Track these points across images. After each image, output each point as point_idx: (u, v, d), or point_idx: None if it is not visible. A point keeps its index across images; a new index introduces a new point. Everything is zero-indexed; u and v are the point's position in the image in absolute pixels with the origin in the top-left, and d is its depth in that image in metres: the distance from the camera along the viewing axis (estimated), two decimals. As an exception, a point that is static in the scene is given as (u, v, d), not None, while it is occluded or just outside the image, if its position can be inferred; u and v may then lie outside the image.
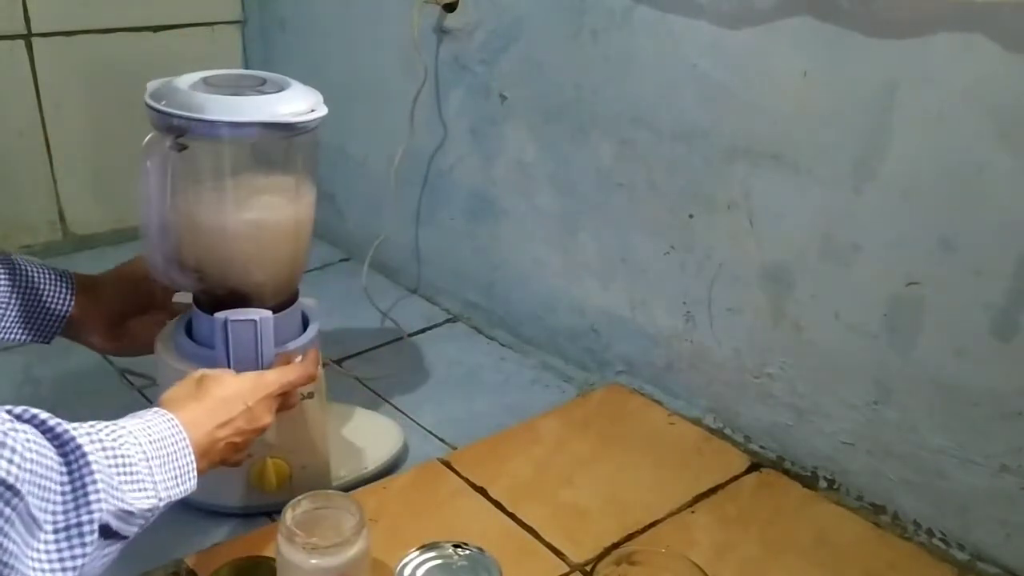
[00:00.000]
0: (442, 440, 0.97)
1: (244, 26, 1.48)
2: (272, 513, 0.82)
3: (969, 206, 0.72)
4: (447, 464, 0.89)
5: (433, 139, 1.20)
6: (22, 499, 0.46)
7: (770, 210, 0.86)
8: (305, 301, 0.85)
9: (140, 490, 0.54)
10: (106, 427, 0.55)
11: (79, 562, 0.49)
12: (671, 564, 0.62)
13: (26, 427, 0.49)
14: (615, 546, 0.79)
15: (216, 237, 0.76)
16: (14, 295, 0.77)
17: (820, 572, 0.77)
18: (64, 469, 0.50)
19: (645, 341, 1.03)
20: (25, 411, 0.50)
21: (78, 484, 0.50)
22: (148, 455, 0.56)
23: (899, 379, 0.81)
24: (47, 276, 0.79)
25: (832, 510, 0.85)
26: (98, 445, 0.52)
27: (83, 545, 0.50)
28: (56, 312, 0.80)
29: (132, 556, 0.75)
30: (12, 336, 0.78)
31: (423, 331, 1.21)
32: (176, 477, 0.58)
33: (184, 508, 0.81)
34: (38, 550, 0.48)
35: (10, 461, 0.45)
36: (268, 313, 0.74)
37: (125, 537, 0.54)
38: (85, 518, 0.50)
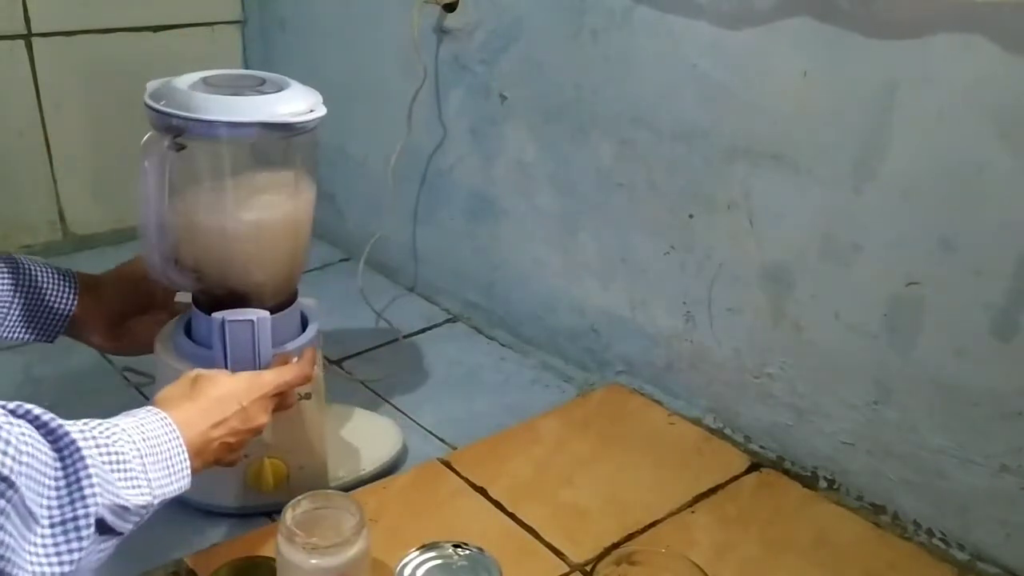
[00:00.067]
0: (442, 440, 0.97)
1: (244, 26, 1.48)
2: (272, 513, 0.82)
3: (969, 206, 0.72)
4: (447, 464, 0.89)
5: (433, 139, 1.20)
6: (17, 491, 0.46)
7: (770, 210, 0.86)
8: (305, 301, 0.85)
9: (135, 486, 0.55)
10: (100, 424, 0.55)
11: (76, 556, 0.50)
12: (671, 564, 0.62)
13: (21, 422, 0.49)
14: (615, 546, 0.79)
15: (214, 237, 0.76)
16: (17, 295, 0.78)
17: (820, 572, 0.77)
18: (59, 464, 0.50)
19: (645, 341, 1.03)
20: (20, 406, 0.50)
21: (73, 479, 0.50)
22: (142, 452, 0.56)
23: (899, 379, 0.81)
24: (50, 276, 0.80)
25: (832, 510, 0.85)
26: (92, 442, 0.52)
27: (79, 539, 0.50)
28: (59, 311, 0.80)
29: (132, 556, 0.76)
30: (15, 335, 0.79)
31: (423, 331, 1.21)
32: (170, 475, 0.58)
33: (184, 508, 0.81)
34: (35, 544, 0.48)
35: (4, 454, 0.45)
36: (265, 313, 0.74)
37: (120, 533, 0.54)
38: (81, 512, 0.50)
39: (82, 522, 0.50)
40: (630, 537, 0.80)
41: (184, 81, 0.74)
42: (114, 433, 0.55)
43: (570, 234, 1.07)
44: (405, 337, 1.19)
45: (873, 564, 0.78)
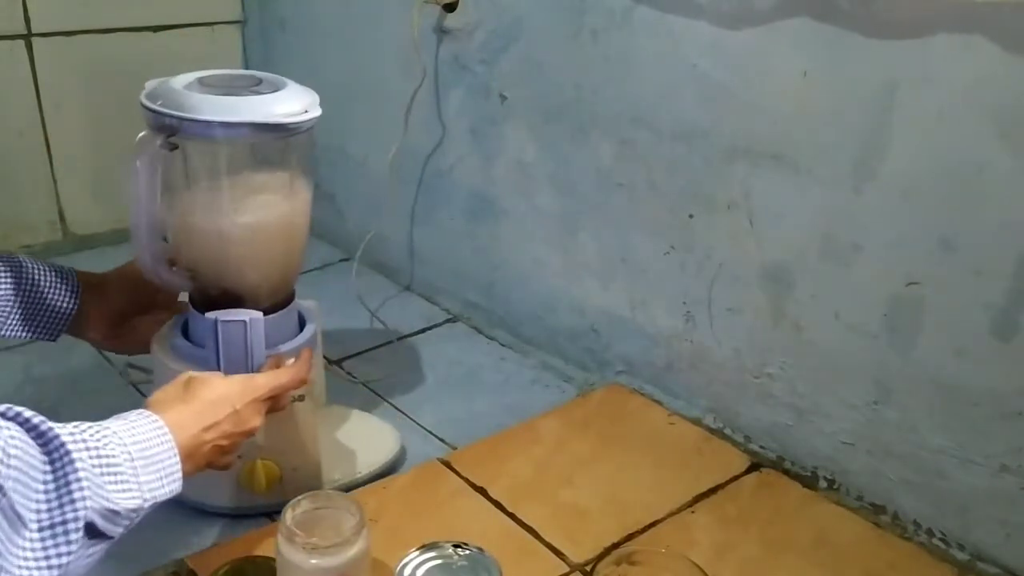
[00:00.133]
0: (442, 440, 0.97)
1: (244, 26, 1.48)
2: (272, 514, 0.82)
3: (969, 206, 0.72)
4: (447, 464, 0.89)
5: (433, 139, 1.20)
6: (5, 495, 0.46)
7: (770, 210, 0.86)
8: (304, 303, 0.85)
9: (125, 490, 0.54)
10: (90, 427, 0.55)
11: (64, 560, 0.49)
12: (671, 564, 0.62)
13: (10, 424, 0.49)
14: (615, 546, 0.79)
15: (208, 238, 0.76)
16: (19, 294, 0.78)
17: (820, 572, 0.77)
18: (48, 468, 0.50)
19: (645, 341, 1.03)
20: (9, 409, 0.50)
21: (62, 482, 0.50)
22: (132, 456, 0.56)
23: (899, 379, 0.81)
24: (53, 275, 0.80)
25: (832, 510, 0.85)
26: (82, 445, 0.52)
27: (68, 543, 0.50)
28: (62, 310, 0.80)
29: (132, 556, 0.76)
30: (17, 334, 0.79)
31: (423, 331, 1.21)
32: (161, 478, 0.58)
33: (184, 509, 0.81)
34: (23, 547, 0.48)
35: None
36: (259, 314, 0.74)
37: (111, 537, 0.54)
38: (70, 516, 0.50)
39: (71, 526, 0.50)
40: (630, 537, 0.80)
41: (180, 81, 0.74)
42: (104, 436, 0.55)
43: (570, 234, 1.07)
44: (405, 337, 1.19)
45: (873, 564, 0.78)
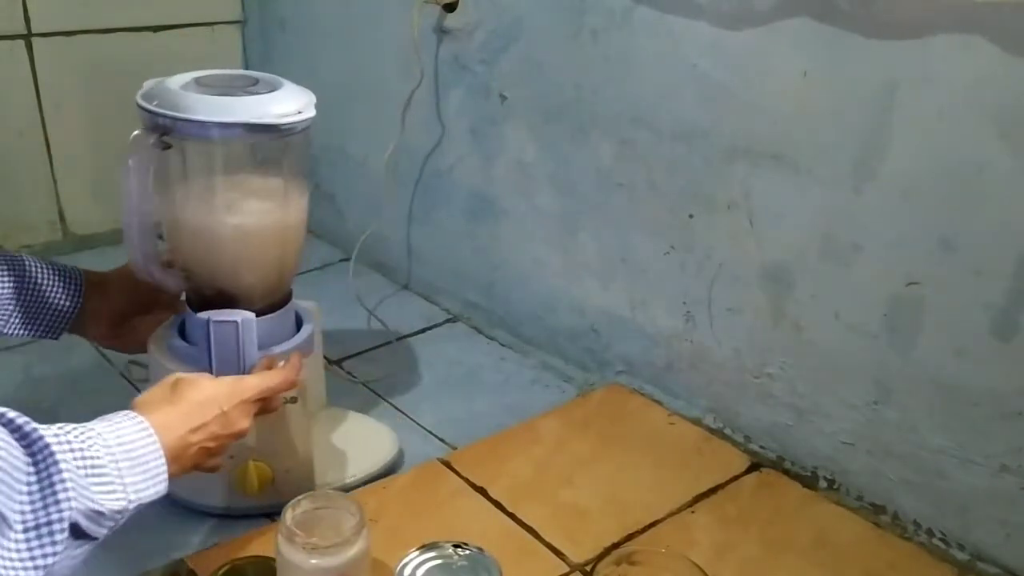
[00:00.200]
0: (442, 440, 0.97)
1: (244, 26, 1.48)
2: (272, 514, 0.82)
3: (969, 206, 0.72)
4: (447, 464, 0.89)
5: (433, 139, 1.20)
6: None
7: (770, 210, 0.86)
8: (303, 304, 0.85)
9: (109, 491, 0.54)
10: (75, 429, 0.54)
11: (49, 560, 0.49)
12: (671, 564, 0.62)
13: None
14: (615, 546, 0.79)
15: (200, 238, 0.76)
16: (21, 293, 0.78)
17: (820, 572, 0.77)
18: (32, 468, 0.50)
19: (645, 341, 1.03)
20: None
21: (46, 483, 0.50)
22: (117, 457, 0.56)
23: (899, 379, 0.81)
24: (55, 274, 0.80)
25: (832, 510, 0.85)
26: (66, 446, 0.52)
27: (53, 544, 0.50)
28: (63, 309, 0.81)
29: (132, 556, 0.76)
30: (19, 332, 0.79)
31: (423, 331, 1.21)
32: (146, 480, 0.57)
33: (184, 509, 0.81)
34: (8, 548, 0.48)
35: None
36: (251, 315, 0.74)
37: (95, 538, 0.53)
38: (55, 516, 0.50)
39: (56, 527, 0.50)
40: (630, 537, 0.80)
41: (176, 81, 0.74)
42: (89, 438, 0.54)
43: (570, 234, 1.07)
44: (405, 337, 1.19)
45: (873, 564, 0.78)
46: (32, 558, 0.49)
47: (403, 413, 1.02)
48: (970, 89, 0.70)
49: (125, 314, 0.84)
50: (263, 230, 0.78)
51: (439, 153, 1.21)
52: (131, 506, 0.56)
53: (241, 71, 0.79)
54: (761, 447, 0.94)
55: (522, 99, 1.07)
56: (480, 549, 0.67)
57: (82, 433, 0.54)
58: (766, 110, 0.84)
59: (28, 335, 0.80)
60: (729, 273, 0.92)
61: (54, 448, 0.51)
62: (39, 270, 0.79)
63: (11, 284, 0.77)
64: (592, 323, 1.08)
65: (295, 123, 0.72)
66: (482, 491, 0.85)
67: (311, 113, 0.74)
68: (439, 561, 0.66)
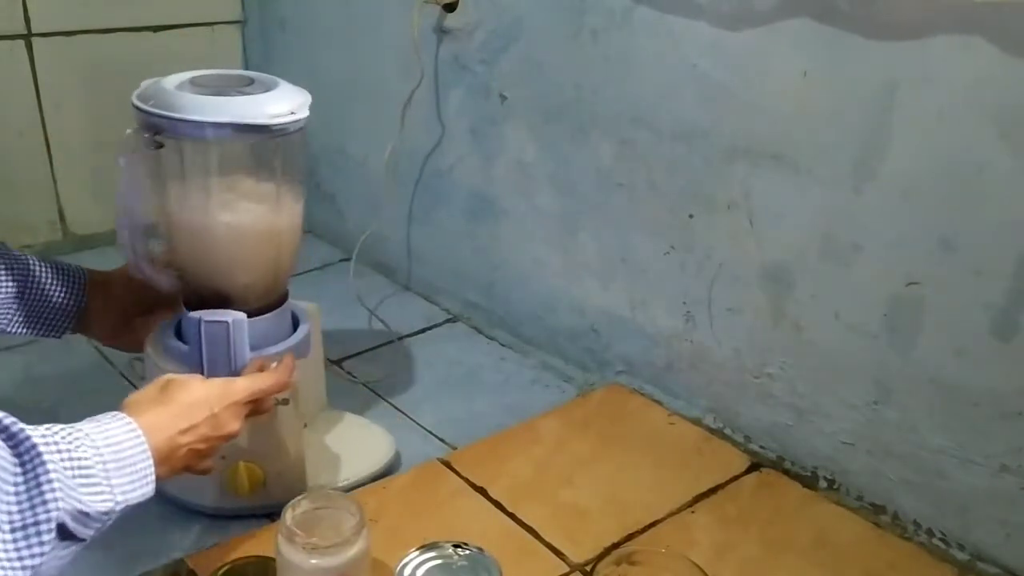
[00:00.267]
0: (442, 440, 0.97)
1: (244, 26, 1.48)
2: (271, 515, 0.82)
3: (969, 206, 0.72)
4: (447, 464, 0.89)
5: (433, 139, 1.20)
6: None
7: (770, 210, 0.86)
8: (303, 305, 0.85)
9: (96, 492, 0.54)
10: (63, 429, 0.54)
11: (37, 560, 0.49)
12: (671, 564, 0.62)
13: None
14: (615, 546, 0.79)
15: (193, 237, 0.76)
16: (24, 292, 0.78)
17: (820, 572, 0.77)
18: (19, 469, 0.50)
19: (645, 341, 1.03)
20: None
21: (32, 484, 0.50)
22: (104, 458, 0.55)
23: (899, 379, 0.81)
24: (58, 274, 0.80)
25: (832, 510, 0.85)
26: (53, 447, 0.52)
27: (40, 544, 0.49)
28: (66, 309, 0.81)
29: (132, 556, 0.76)
30: (21, 331, 0.79)
31: (423, 331, 1.21)
32: (133, 481, 0.57)
33: (184, 509, 0.81)
34: None
35: None
36: (242, 315, 0.74)
37: (82, 539, 0.53)
38: (43, 517, 0.50)
39: (43, 527, 0.50)
40: (630, 537, 0.80)
41: (172, 80, 0.74)
42: (77, 439, 0.54)
43: (570, 234, 1.07)
44: (405, 337, 1.19)
45: (873, 564, 0.78)
46: (20, 558, 0.49)
47: (403, 413, 1.02)
48: (970, 89, 0.70)
49: (128, 313, 0.84)
50: (256, 230, 0.77)
51: (439, 153, 1.21)
52: (118, 507, 0.55)
53: (238, 71, 0.79)
54: (761, 447, 0.94)
55: (522, 99, 1.07)
56: (480, 549, 0.67)
57: (70, 434, 0.54)
58: (766, 110, 0.84)
59: (31, 334, 0.80)
60: (729, 273, 0.92)
61: (41, 449, 0.51)
62: (42, 269, 0.79)
63: (14, 283, 0.78)
64: (592, 323, 1.08)
65: (286, 124, 0.72)
66: (482, 491, 0.85)
67: (304, 114, 0.73)
68: (439, 561, 0.66)
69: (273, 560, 0.66)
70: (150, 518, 0.80)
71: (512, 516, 0.82)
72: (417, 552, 0.66)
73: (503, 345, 1.18)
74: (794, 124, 0.82)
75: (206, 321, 0.73)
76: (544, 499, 0.84)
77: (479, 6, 1.08)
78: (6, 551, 0.48)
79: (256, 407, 0.71)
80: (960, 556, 0.79)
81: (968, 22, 0.69)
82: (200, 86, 0.74)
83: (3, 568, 0.48)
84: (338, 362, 1.11)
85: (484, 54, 1.09)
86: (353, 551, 0.64)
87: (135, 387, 0.99)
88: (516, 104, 1.08)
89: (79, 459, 0.53)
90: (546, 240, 1.10)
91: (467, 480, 0.86)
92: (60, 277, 0.80)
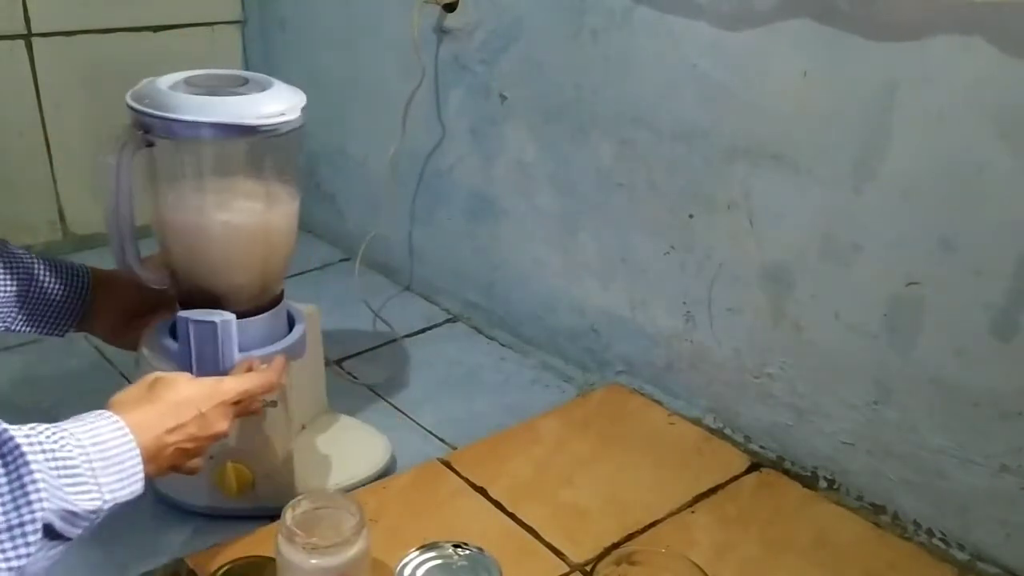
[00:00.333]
0: (442, 440, 0.97)
1: (244, 26, 1.48)
2: (270, 516, 0.82)
3: (969, 206, 0.72)
4: (447, 464, 0.89)
5: (433, 139, 1.20)
6: None
7: (770, 210, 0.86)
8: (301, 307, 0.85)
9: (83, 491, 0.53)
10: (47, 429, 0.54)
11: (23, 561, 0.49)
12: (671, 564, 0.62)
13: None
14: (615, 546, 0.79)
15: (183, 237, 0.76)
16: (27, 291, 0.78)
17: (820, 572, 0.77)
18: (2, 470, 0.50)
19: (645, 341, 1.03)
20: None
21: (16, 484, 0.49)
22: (91, 457, 0.55)
23: (899, 379, 0.81)
24: (62, 273, 0.80)
25: (832, 510, 0.85)
26: (37, 447, 0.51)
27: (27, 544, 0.49)
28: (70, 307, 0.81)
29: (132, 556, 0.76)
30: (23, 329, 0.79)
31: (423, 331, 1.21)
32: (121, 479, 0.56)
33: (183, 510, 0.81)
34: None
35: None
36: (231, 316, 0.73)
37: (69, 539, 0.53)
38: (27, 517, 0.49)
39: (29, 527, 0.49)
40: (630, 537, 0.80)
41: (166, 80, 0.73)
42: (62, 438, 0.54)
43: (570, 234, 1.07)
44: (405, 337, 1.19)
45: (873, 564, 0.78)
46: (6, 559, 0.49)
47: (403, 413, 1.02)
48: (970, 89, 0.70)
49: (132, 312, 0.84)
50: (248, 231, 0.77)
51: (439, 153, 1.21)
52: (106, 506, 0.55)
53: (233, 71, 0.78)
54: (761, 447, 0.94)
55: (522, 99, 1.07)
56: (480, 549, 0.67)
57: (54, 433, 0.54)
58: (766, 110, 0.84)
59: (33, 332, 0.80)
60: (729, 273, 0.92)
61: (24, 449, 0.50)
62: (45, 267, 0.79)
63: (16, 281, 0.77)
64: (592, 323, 1.08)
65: (276, 125, 0.71)
66: (482, 491, 0.85)
67: (295, 115, 0.73)
68: (439, 561, 0.66)
69: (273, 560, 0.66)
70: (143, 517, 0.80)
71: (512, 516, 0.82)
72: (417, 552, 0.66)
73: (503, 345, 1.18)
74: (794, 124, 0.82)
75: (193, 321, 0.72)
76: (544, 499, 0.84)
77: (479, 6, 1.08)
78: None
79: (245, 407, 0.71)
80: (960, 556, 0.79)
81: (968, 22, 0.69)
82: (194, 86, 0.73)
83: None
84: (338, 362, 1.11)
85: (484, 54, 1.09)
86: (353, 551, 0.64)
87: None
88: (516, 104, 1.08)
89: (64, 458, 0.53)
90: (546, 240, 1.10)
91: (467, 480, 0.86)
92: (63, 275, 0.80)
